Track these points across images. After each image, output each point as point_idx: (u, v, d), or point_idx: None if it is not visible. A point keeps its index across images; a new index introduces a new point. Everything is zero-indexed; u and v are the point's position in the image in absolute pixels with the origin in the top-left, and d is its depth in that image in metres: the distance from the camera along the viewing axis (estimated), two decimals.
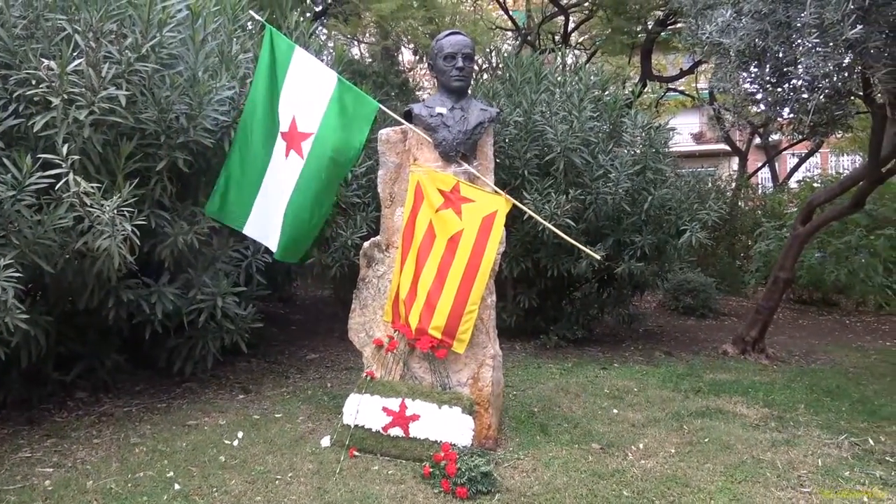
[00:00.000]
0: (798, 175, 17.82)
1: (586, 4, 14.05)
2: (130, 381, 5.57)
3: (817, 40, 3.89)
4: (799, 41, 4.18)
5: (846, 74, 4.25)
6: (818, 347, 8.35)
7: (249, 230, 4.63)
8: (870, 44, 3.98)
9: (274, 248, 4.62)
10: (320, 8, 11.10)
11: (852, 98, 5.48)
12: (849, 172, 10.81)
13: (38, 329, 4.19)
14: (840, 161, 22.31)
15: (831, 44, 3.90)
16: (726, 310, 11.21)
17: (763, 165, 19.19)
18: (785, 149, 19.29)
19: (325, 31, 10.83)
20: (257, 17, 4.90)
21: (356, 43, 12.92)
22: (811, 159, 19.08)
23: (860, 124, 10.93)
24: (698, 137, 26.93)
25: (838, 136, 10.08)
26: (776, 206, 13.46)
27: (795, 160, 19.32)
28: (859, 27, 3.68)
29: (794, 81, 4.91)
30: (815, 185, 13.10)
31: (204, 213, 4.79)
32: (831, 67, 4.11)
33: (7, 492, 3.58)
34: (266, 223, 4.56)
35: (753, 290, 12.22)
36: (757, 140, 17.97)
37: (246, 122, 4.49)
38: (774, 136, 17.52)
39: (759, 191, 16.46)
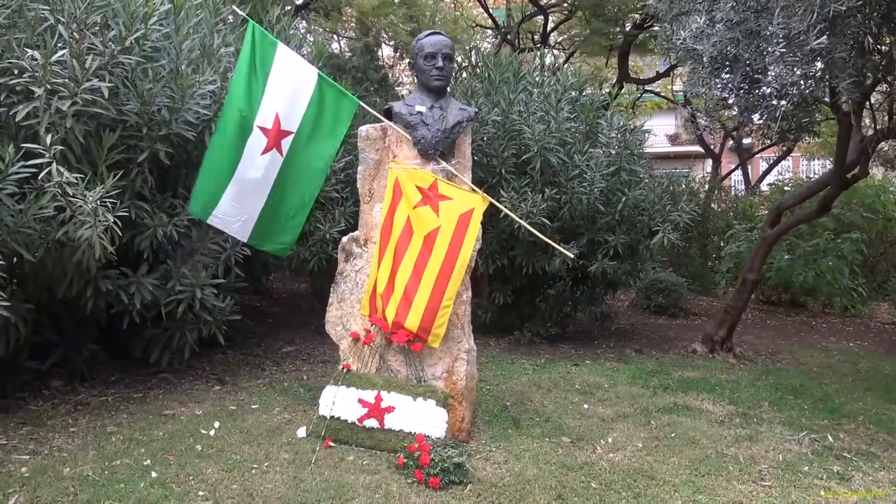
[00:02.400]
0: (770, 178, 18.18)
1: (565, 5, 14.18)
2: (106, 371, 5.57)
3: (784, 49, 4.03)
4: (768, 50, 4.32)
5: (812, 83, 4.40)
6: (784, 347, 8.57)
7: (215, 221, 4.60)
8: (835, 54, 4.14)
9: (245, 237, 4.68)
10: (301, 2, 11.10)
11: (819, 105, 5.65)
12: (816, 177, 11.07)
13: (17, 317, 4.21)
14: (811, 165, 22.73)
15: (798, 53, 4.05)
16: (697, 309, 11.43)
17: (735, 168, 19.53)
18: (757, 152, 19.64)
19: (304, 24, 10.84)
20: (239, 11, 4.94)
21: (336, 38, 12.92)
22: (783, 163, 19.45)
23: (829, 130, 11.21)
24: (673, 139, 27.26)
25: (808, 140, 10.33)
26: (747, 209, 13.72)
27: (768, 164, 19.68)
28: (824, 38, 3.83)
29: (763, 88, 5.06)
30: (786, 188, 13.38)
31: (184, 206, 4.83)
32: (798, 76, 4.25)
33: None
34: (236, 214, 4.57)
35: (724, 291, 12.45)
36: (731, 143, 18.27)
37: (224, 117, 4.53)
38: (747, 140, 17.83)
39: (732, 193, 16.75)
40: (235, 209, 4.56)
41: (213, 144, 4.52)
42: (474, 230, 4.33)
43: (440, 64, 4.41)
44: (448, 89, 4.68)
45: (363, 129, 4.62)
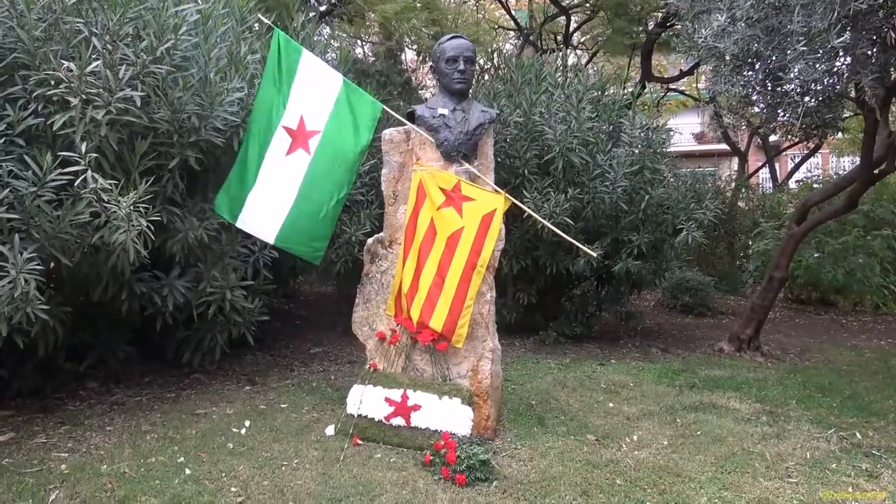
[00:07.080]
0: (798, 175, 17.95)
1: (588, 5, 14.17)
2: (140, 372, 5.73)
3: (805, 47, 4.03)
4: (790, 47, 4.31)
5: (836, 79, 4.38)
6: (813, 346, 8.49)
7: (241, 224, 4.75)
8: (857, 51, 4.12)
9: (271, 239, 4.72)
10: (325, 8, 11.24)
11: (843, 101, 5.61)
12: (843, 174, 10.94)
13: (55, 320, 4.35)
14: (840, 162, 22.36)
15: (820, 50, 4.04)
16: (724, 308, 11.35)
17: (762, 166, 19.30)
18: (785, 149, 19.38)
19: (328, 30, 10.97)
20: (265, 19, 5.06)
21: (360, 43, 13.05)
22: (812, 160, 19.18)
23: (858, 126, 11.07)
24: (700, 137, 27.02)
25: (836, 137, 10.19)
26: (775, 207, 13.58)
27: (793, 161, 19.44)
28: (845, 35, 3.82)
29: (786, 85, 5.04)
30: (815, 185, 13.22)
31: (213, 210, 4.96)
32: (821, 72, 4.24)
33: (25, 474, 3.73)
34: (261, 217, 4.67)
35: (752, 290, 12.33)
36: (757, 140, 18.08)
37: (252, 123, 4.67)
38: (774, 137, 17.63)
39: (759, 191, 16.57)
40: (261, 211, 4.66)
41: (243, 151, 4.66)
42: (495, 230, 4.38)
43: (462, 67, 4.47)
44: (470, 92, 4.74)
45: (387, 133, 4.70)
